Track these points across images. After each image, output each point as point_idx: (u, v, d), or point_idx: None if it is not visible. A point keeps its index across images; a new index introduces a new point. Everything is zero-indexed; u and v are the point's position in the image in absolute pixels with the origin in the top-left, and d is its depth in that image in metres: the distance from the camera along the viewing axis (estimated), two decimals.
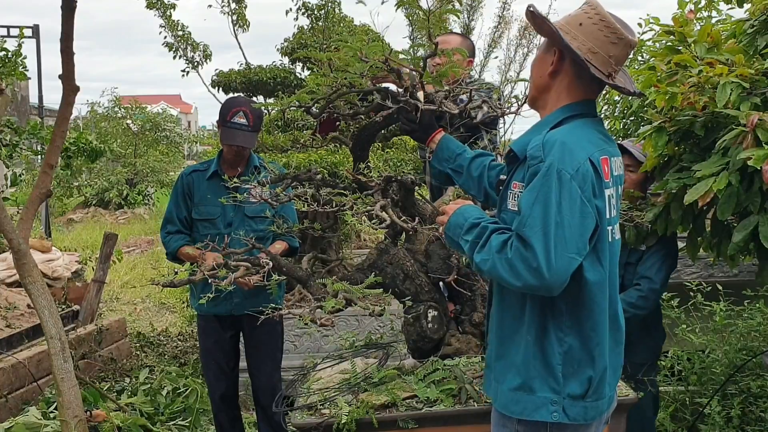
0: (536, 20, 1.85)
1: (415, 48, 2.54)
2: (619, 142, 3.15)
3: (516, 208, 1.78)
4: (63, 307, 5.48)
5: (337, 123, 2.78)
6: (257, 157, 3.50)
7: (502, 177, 2.00)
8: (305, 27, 9.23)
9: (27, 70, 5.52)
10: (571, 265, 1.66)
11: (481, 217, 1.85)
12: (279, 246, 3.28)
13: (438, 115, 2.37)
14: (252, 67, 9.32)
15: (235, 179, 2.67)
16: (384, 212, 2.24)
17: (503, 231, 1.76)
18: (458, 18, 13.22)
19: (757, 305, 4.17)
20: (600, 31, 1.79)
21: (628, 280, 2.97)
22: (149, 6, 10.02)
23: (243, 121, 3.24)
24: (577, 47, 1.78)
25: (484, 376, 2.05)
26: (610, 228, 1.80)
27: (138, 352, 5.71)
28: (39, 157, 6.84)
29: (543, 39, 1.92)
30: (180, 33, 10.23)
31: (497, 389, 1.89)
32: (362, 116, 2.59)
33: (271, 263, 2.39)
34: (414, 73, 2.27)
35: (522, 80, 2.35)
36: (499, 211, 1.93)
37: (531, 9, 1.84)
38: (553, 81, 1.87)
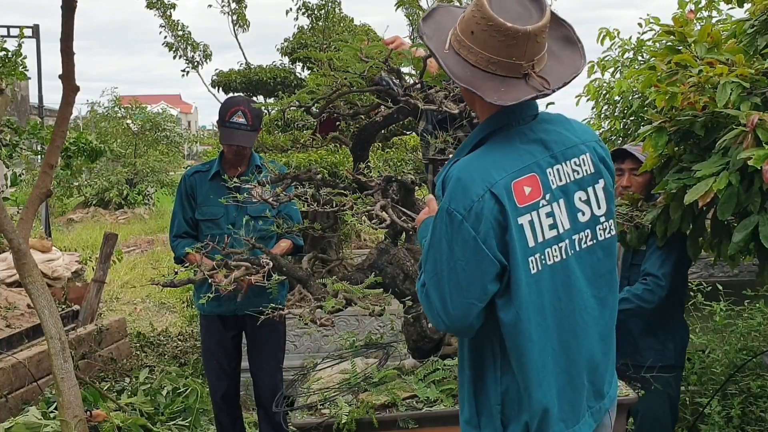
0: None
1: (416, 47, 2.54)
2: (622, 147, 3.14)
3: None
4: (63, 307, 5.49)
5: (337, 123, 2.78)
6: (258, 157, 3.50)
7: None
8: (305, 27, 9.24)
9: (27, 70, 5.52)
10: (471, 311, 1.56)
11: None
12: (284, 244, 3.28)
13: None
14: (252, 67, 9.32)
15: (236, 179, 2.67)
16: (384, 212, 2.24)
17: None
18: None
19: (757, 305, 4.17)
20: (492, 36, 1.55)
21: (633, 281, 2.96)
22: (149, 6, 10.03)
23: (242, 120, 3.25)
24: (474, 62, 1.59)
25: None
26: (535, 257, 1.58)
27: (138, 352, 5.71)
28: (39, 157, 6.84)
29: None
30: (180, 33, 10.24)
31: (460, 417, 1.79)
32: (362, 116, 2.59)
33: (271, 263, 2.39)
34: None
35: None
36: None
37: (422, 37, 1.67)
38: (472, 94, 1.66)
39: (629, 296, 2.81)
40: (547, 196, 1.61)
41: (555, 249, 1.62)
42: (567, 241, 1.64)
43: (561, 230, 1.63)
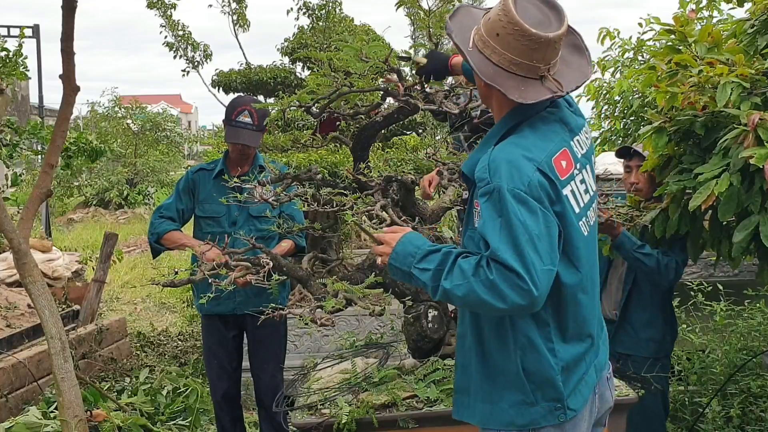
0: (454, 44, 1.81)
1: (416, 48, 2.54)
2: (628, 146, 3.17)
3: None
4: (63, 306, 5.48)
5: (338, 123, 2.78)
6: (262, 157, 3.51)
7: (465, 196, 1.95)
8: (306, 27, 9.24)
9: (27, 70, 5.51)
10: (550, 277, 1.64)
11: (432, 244, 1.79)
12: (285, 245, 3.27)
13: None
14: (252, 66, 9.32)
15: (236, 179, 2.67)
16: (384, 212, 2.24)
17: (467, 254, 1.71)
18: None
19: (758, 305, 4.17)
20: (516, 40, 1.68)
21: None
22: (149, 6, 10.03)
23: (248, 120, 3.27)
24: (497, 61, 1.72)
25: (455, 403, 1.95)
26: (583, 221, 1.78)
27: (138, 352, 5.71)
28: (39, 157, 6.84)
29: None
30: (180, 33, 10.24)
31: (491, 410, 1.83)
32: (362, 116, 2.59)
33: (271, 263, 2.39)
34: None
35: None
36: (465, 230, 1.89)
37: (449, 33, 1.79)
38: (491, 90, 1.79)
39: (657, 256, 2.82)
40: (578, 165, 1.80)
41: (592, 210, 1.85)
42: (595, 202, 1.88)
43: (591, 193, 1.85)
